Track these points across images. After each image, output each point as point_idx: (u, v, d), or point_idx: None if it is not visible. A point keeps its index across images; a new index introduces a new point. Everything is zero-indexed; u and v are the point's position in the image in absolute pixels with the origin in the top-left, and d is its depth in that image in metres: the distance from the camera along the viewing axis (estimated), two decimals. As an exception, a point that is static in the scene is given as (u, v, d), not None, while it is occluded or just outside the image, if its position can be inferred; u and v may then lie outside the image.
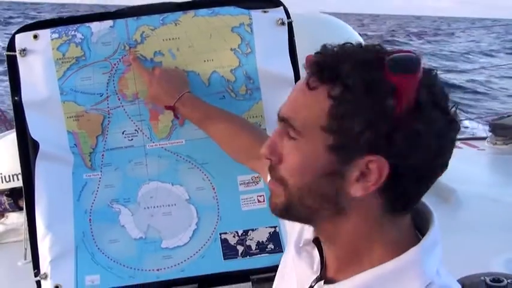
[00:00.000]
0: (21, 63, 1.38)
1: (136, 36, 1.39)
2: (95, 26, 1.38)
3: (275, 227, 1.43)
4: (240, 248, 1.42)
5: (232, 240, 1.42)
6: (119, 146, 1.42)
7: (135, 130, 1.42)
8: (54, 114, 1.39)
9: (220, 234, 1.43)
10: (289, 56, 1.42)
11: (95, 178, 1.42)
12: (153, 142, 1.42)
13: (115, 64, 1.39)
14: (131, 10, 1.43)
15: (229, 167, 1.41)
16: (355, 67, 0.67)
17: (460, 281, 1.56)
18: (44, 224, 1.36)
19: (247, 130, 1.31)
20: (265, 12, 1.43)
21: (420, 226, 0.76)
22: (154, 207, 1.42)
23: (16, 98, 1.38)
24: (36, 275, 1.37)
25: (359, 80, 0.66)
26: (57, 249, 1.37)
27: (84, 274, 1.38)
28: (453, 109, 0.70)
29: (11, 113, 1.55)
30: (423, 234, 0.74)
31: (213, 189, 1.44)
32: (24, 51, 1.37)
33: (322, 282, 0.79)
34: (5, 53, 1.39)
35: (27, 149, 1.40)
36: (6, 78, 1.42)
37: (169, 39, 1.40)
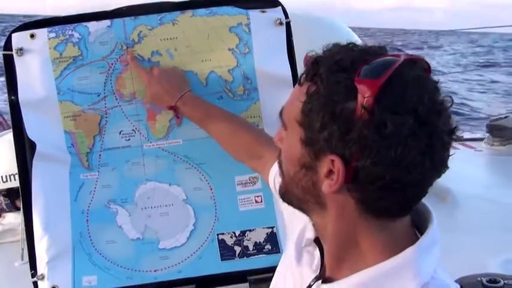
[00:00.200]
0: (18, 62, 1.37)
1: (133, 35, 1.38)
2: (92, 25, 1.38)
3: (272, 227, 1.43)
4: (238, 249, 1.42)
5: (230, 241, 1.42)
6: (116, 146, 1.41)
7: (133, 130, 1.41)
8: (51, 114, 1.38)
9: (217, 234, 1.42)
10: (287, 56, 1.42)
11: (92, 178, 1.41)
12: (151, 142, 1.42)
13: (112, 64, 1.38)
14: (129, 9, 1.42)
15: (226, 167, 1.40)
16: (329, 68, 0.68)
17: (456, 281, 1.56)
18: (41, 225, 1.36)
19: (248, 129, 1.31)
20: (263, 12, 1.42)
21: (420, 226, 0.76)
22: (151, 207, 1.42)
23: (13, 98, 1.38)
24: (33, 275, 1.37)
25: (326, 81, 0.68)
26: (54, 250, 1.36)
27: (81, 275, 1.37)
28: (435, 117, 0.66)
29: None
30: (422, 234, 0.74)
31: (211, 189, 1.43)
32: (21, 51, 1.37)
33: (320, 281, 0.79)
34: (1, 52, 1.39)
35: (24, 149, 1.39)
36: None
37: (167, 39, 1.39)
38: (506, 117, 3.86)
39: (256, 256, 1.41)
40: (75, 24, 1.38)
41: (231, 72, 1.41)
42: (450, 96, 0.69)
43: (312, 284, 0.80)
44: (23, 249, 1.78)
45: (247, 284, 1.41)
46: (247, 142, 1.27)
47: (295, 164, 0.74)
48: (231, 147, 1.32)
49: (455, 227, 2.35)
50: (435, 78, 0.70)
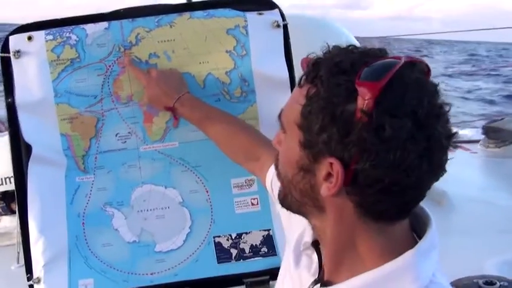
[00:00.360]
0: (15, 64, 1.37)
1: (131, 38, 1.38)
2: (90, 27, 1.38)
3: (269, 230, 1.42)
4: (234, 252, 1.41)
5: (226, 244, 1.42)
6: (112, 149, 1.41)
7: (129, 132, 1.41)
8: (47, 116, 1.38)
9: (213, 237, 1.42)
10: (284, 59, 1.42)
11: (87, 181, 1.41)
12: (147, 144, 1.42)
13: (110, 66, 1.38)
14: (126, 12, 1.42)
15: (222, 170, 1.40)
16: (329, 70, 0.68)
17: (453, 283, 1.57)
18: (36, 228, 1.35)
19: (246, 131, 1.31)
20: (260, 14, 1.43)
21: (418, 230, 0.76)
22: (147, 210, 1.42)
23: (9, 100, 1.37)
24: (29, 279, 1.36)
25: (327, 83, 0.68)
26: (50, 253, 1.35)
27: (77, 278, 1.37)
28: (434, 120, 0.66)
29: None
30: (421, 238, 0.74)
31: (207, 192, 1.43)
32: (18, 53, 1.36)
33: (319, 285, 0.79)
34: None
35: (20, 152, 1.39)
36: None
37: (165, 41, 1.39)
38: (502, 119, 3.88)
39: (252, 259, 1.41)
40: (73, 27, 1.38)
41: (229, 75, 1.41)
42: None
43: (310, 287, 0.80)
44: (18, 252, 1.77)
45: (243, 287, 1.41)
46: (245, 144, 1.27)
47: (294, 166, 0.74)
48: (229, 149, 1.31)
49: (451, 229, 2.36)
50: (435, 81, 0.69)
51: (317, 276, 0.81)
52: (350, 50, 0.71)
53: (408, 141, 0.64)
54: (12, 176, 1.41)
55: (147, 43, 1.39)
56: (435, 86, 0.69)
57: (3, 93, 1.37)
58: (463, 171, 3.25)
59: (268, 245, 1.42)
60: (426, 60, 0.73)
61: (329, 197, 0.71)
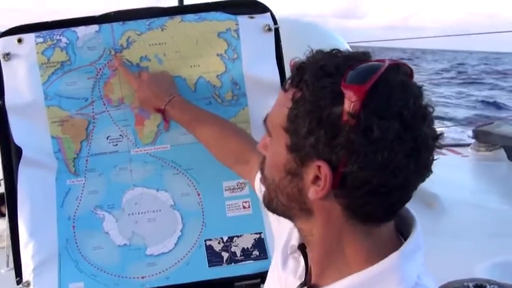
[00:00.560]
0: (5, 67, 1.36)
1: (122, 41, 1.38)
2: (81, 30, 1.37)
3: (260, 233, 1.42)
4: (225, 255, 1.41)
5: (217, 247, 1.42)
6: (103, 152, 1.40)
7: (120, 135, 1.41)
8: (38, 119, 1.37)
9: (205, 240, 1.42)
10: (275, 62, 1.42)
11: (78, 184, 1.40)
12: (138, 147, 1.41)
13: (100, 69, 1.38)
14: (117, 15, 1.41)
15: (214, 173, 1.40)
16: (314, 74, 0.69)
17: (443, 286, 1.57)
18: (26, 231, 1.34)
19: (236, 135, 1.31)
20: (252, 18, 1.43)
21: (404, 231, 0.76)
22: (138, 213, 1.41)
23: None
24: (18, 283, 1.34)
25: (312, 87, 0.68)
26: (40, 257, 1.34)
27: (67, 282, 1.36)
28: (418, 122, 0.66)
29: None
30: (406, 240, 0.74)
31: (198, 195, 1.43)
32: (8, 56, 1.36)
33: None
34: None
35: (10, 155, 1.38)
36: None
37: (156, 44, 1.39)
38: (492, 123, 3.91)
39: (243, 262, 1.41)
40: (63, 29, 1.38)
41: (220, 78, 1.41)
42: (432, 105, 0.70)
43: None
44: (8, 255, 1.76)
45: (235, 290, 1.41)
46: (235, 147, 1.27)
47: (281, 170, 0.74)
48: (218, 152, 1.31)
49: (442, 232, 2.37)
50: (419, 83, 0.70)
51: (303, 279, 0.81)
52: (334, 53, 0.72)
53: (395, 142, 0.65)
54: (2, 179, 1.40)
55: (138, 46, 1.38)
56: (419, 87, 0.70)
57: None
58: (454, 175, 3.27)
59: (260, 248, 1.42)
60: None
61: (317, 200, 0.71)
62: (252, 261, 1.41)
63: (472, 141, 3.86)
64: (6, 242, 1.65)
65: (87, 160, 1.40)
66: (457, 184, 3.13)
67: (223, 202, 1.43)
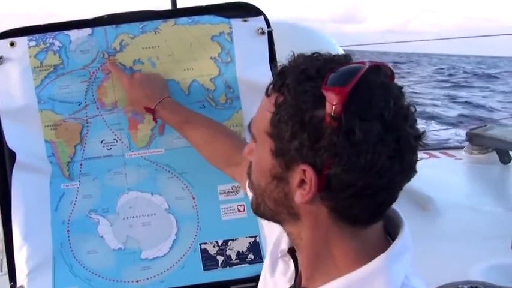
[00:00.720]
0: None
1: (115, 44, 1.38)
2: (74, 33, 1.37)
3: (255, 236, 1.42)
4: (220, 258, 1.41)
5: (212, 251, 1.41)
6: (97, 155, 1.40)
7: (114, 139, 1.40)
8: (31, 123, 1.36)
9: (200, 244, 1.42)
10: (269, 65, 1.42)
11: (72, 188, 1.40)
12: (132, 151, 1.41)
13: (93, 72, 1.38)
14: (110, 18, 1.41)
15: (209, 177, 1.40)
16: (296, 78, 0.69)
17: (436, 290, 1.58)
18: (20, 235, 1.34)
19: (227, 137, 1.31)
20: (245, 21, 1.43)
21: (392, 232, 0.77)
22: (133, 217, 1.41)
23: None
24: (12, 287, 1.34)
25: (294, 91, 0.69)
26: (34, 261, 1.34)
27: (62, 286, 1.35)
28: (401, 123, 0.67)
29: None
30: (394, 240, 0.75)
31: (193, 198, 1.43)
32: (0, 59, 1.35)
33: None
34: None
35: (4, 159, 1.37)
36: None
37: (149, 47, 1.39)
38: (485, 125, 3.92)
39: (239, 266, 1.41)
40: (56, 33, 1.37)
41: (213, 81, 1.41)
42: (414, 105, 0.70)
43: None
44: (2, 260, 1.75)
45: (230, 294, 1.40)
46: (225, 149, 1.27)
47: (267, 175, 0.74)
48: (209, 153, 1.31)
49: (436, 235, 2.38)
50: (399, 83, 0.71)
51: (293, 283, 0.81)
52: (315, 57, 0.72)
53: (378, 143, 0.65)
54: None
55: (132, 50, 1.38)
56: (400, 88, 0.70)
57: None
58: (448, 177, 3.29)
59: (255, 252, 1.41)
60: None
61: (303, 204, 0.71)
62: (247, 264, 1.41)
63: (466, 143, 3.87)
64: (0, 246, 1.64)
65: (81, 164, 1.40)
66: (451, 187, 3.14)
67: (218, 206, 1.43)
